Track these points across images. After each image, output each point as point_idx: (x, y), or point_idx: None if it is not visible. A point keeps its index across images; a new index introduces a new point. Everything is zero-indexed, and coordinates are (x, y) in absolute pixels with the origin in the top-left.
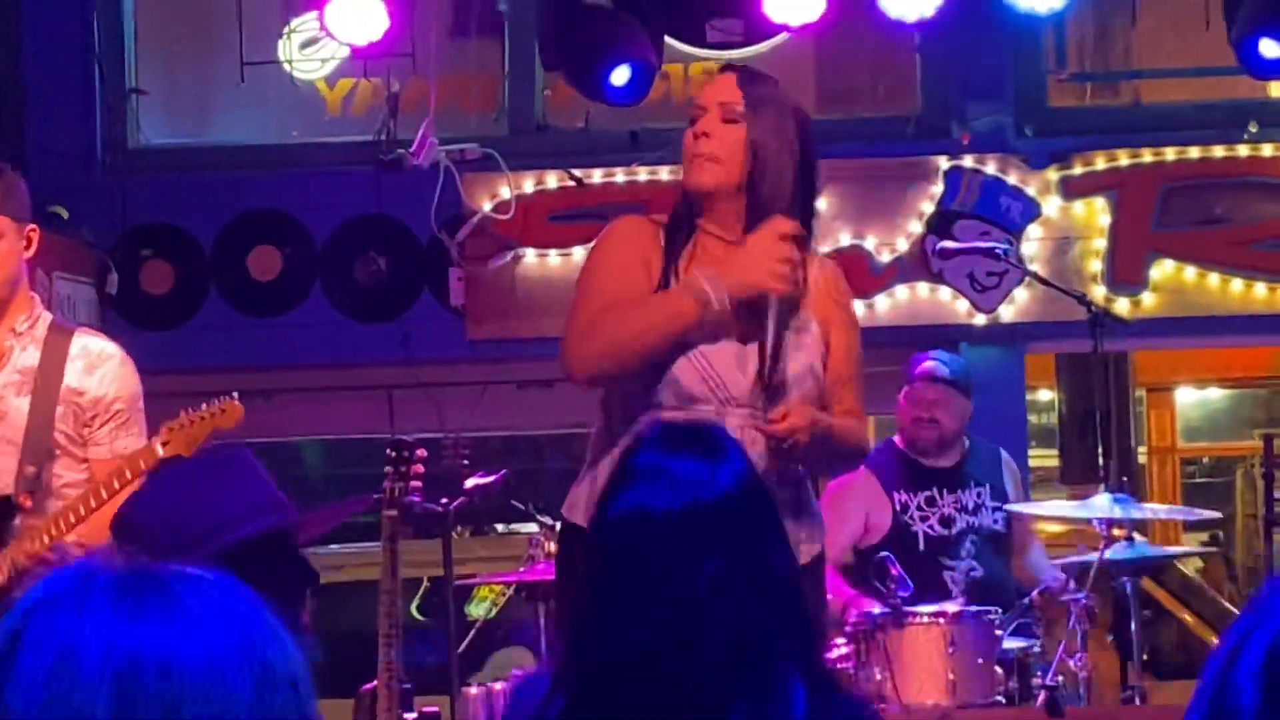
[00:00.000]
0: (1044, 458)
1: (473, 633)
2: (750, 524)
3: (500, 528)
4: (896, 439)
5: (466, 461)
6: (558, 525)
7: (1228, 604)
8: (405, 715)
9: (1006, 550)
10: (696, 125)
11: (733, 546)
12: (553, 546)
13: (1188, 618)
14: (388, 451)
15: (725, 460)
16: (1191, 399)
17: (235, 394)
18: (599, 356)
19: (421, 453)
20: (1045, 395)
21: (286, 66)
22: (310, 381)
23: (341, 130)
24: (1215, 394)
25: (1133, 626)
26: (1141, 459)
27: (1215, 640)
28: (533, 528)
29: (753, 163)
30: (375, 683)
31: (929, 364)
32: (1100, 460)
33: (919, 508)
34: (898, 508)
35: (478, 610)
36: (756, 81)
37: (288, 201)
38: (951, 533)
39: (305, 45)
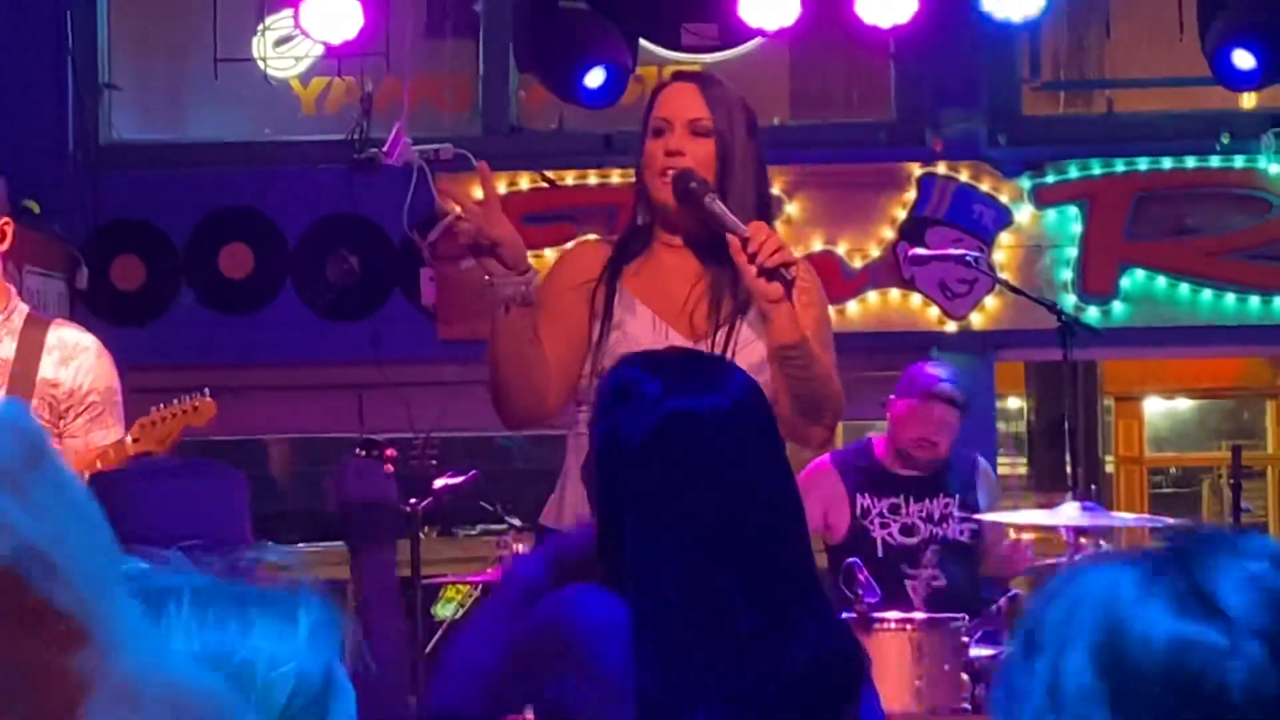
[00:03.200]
0: (1013, 466)
1: (439, 634)
2: (762, 426)
3: (469, 529)
4: (875, 442)
5: (435, 461)
6: (521, 525)
7: None
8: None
9: (972, 561)
10: (666, 141)
11: (752, 448)
12: (521, 548)
13: None
14: (357, 451)
15: (728, 372)
16: (1159, 409)
17: (207, 391)
18: (496, 404)
19: (391, 453)
20: (1014, 403)
21: (261, 64)
22: (280, 380)
23: (315, 129)
24: (1183, 404)
25: None
26: (1109, 468)
27: None
28: (502, 529)
29: (720, 174)
30: None
31: (945, 386)
32: (1069, 469)
33: (880, 515)
34: (858, 511)
35: (445, 611)
36: (719, 90)
37: (260, 199)
38: (913, 542)
39: (280, 43)
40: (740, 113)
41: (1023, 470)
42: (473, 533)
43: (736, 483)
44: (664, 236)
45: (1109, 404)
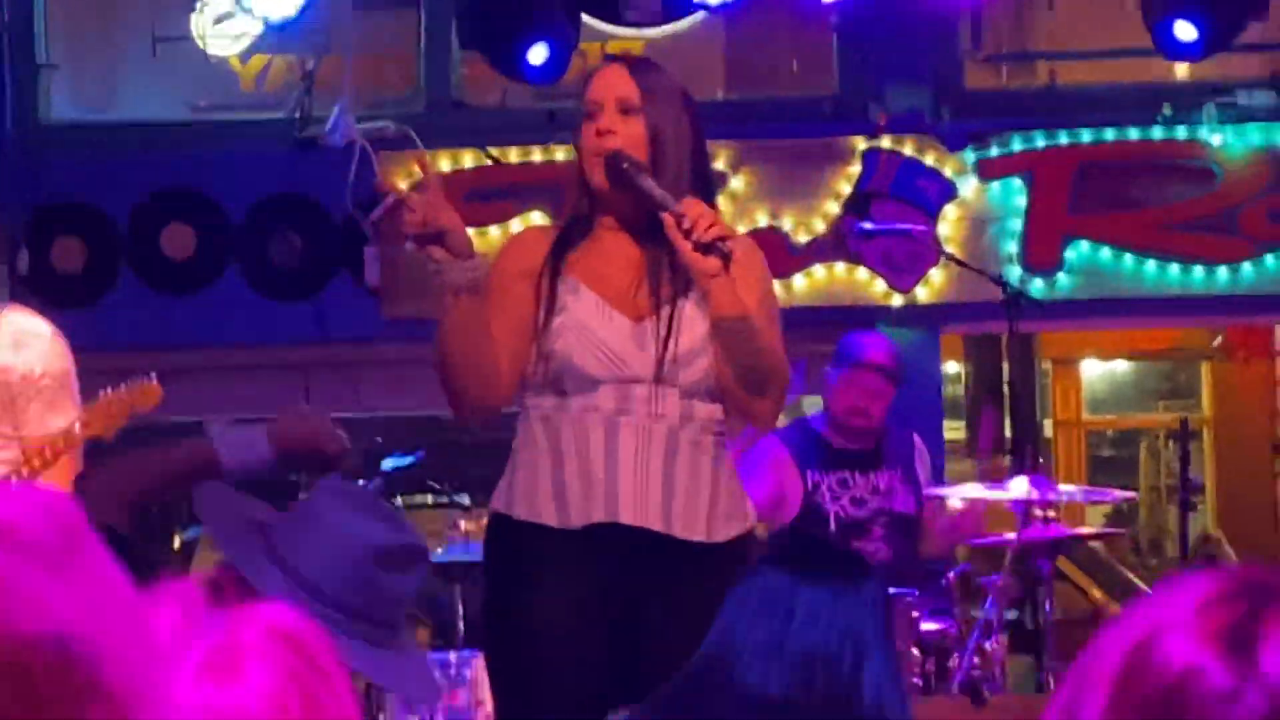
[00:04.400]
0: (951, 430)
1: None
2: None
3: (416, 498)
4: (813, 418)
5: (380, 439)
6: (469, 504)
7: (1132, 576)
8: None
9: (915, 534)
10: (597, 121)
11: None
12: (467, 525)
13: (1095, 592)
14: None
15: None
16: (1097, 372)
17: (154, 375)
18: (448, 395)
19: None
20: (953, 368)
21: (199, 42)
22: (224, 361)
23: (256, 107)
24: (1121, 367)
25: (1046, 606)
26: (1048, 432)
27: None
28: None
29: (653, 153)
30: None
31: (880, 355)
32: (1008, 432)
33: (830, 488)
34: (809, 486)
35: None
36: (648, 70)
37: (202, 179)
38: (863, 514)
39: (219, 20)
40: (671, 91)
41: (961, 434)
42: (421, 503)
43: None
44: (605, 220)
45: (1047, 367)
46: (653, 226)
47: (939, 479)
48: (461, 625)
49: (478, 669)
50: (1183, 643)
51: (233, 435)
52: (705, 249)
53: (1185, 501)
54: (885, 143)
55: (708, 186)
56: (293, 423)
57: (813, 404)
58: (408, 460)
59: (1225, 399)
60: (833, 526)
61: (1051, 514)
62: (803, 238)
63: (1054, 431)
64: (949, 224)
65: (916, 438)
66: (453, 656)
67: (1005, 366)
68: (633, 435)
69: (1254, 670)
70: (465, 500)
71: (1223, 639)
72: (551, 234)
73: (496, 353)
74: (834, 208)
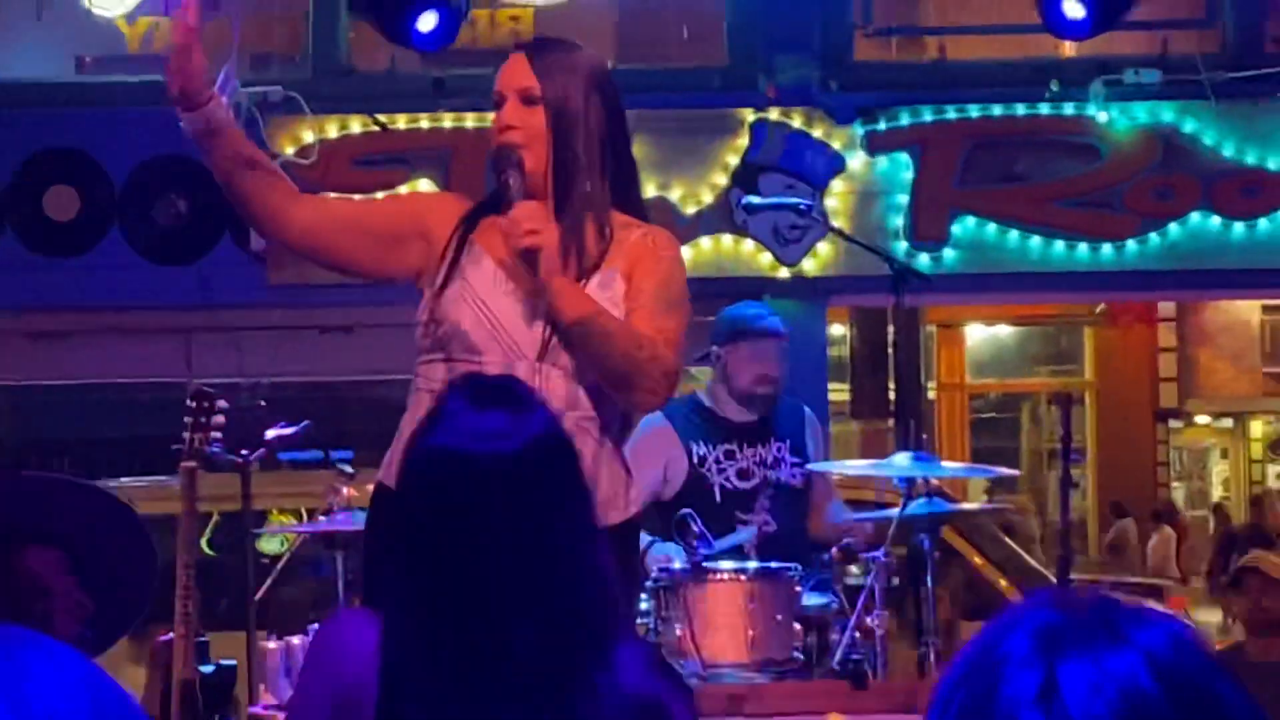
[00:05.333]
0: (835, 392)
1: (270, 580)
2: (550, 481)
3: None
4: (699, 393)
5: (264, 403)
6: (352, 471)
7: (1012, 544)
8: (202, 669)
9: (803, 507)
10: (500, 115)
11: (530, 502)
12: (349, 492)
13: (976, 560)
14: (188, 402)
15: (530, 415)
16: (981, 336)
17: None
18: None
19: (222, 404)
20: (838, 330)
21: (85, 3)
22: (107, 324)
23: (141, 69)
24: (1004, 331)
25: (928, 581)
26: (931, 394)
27: (1002, 581)
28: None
29: (553, 143)
30: (171, 635)
31: (772, 320)
32: (891, 396)
33: (717, 460)
34: (695, 460)
35: (270, 545)
36: (549, 55)
37: (86, 140)
38: (748, 486)
39: None
40: (577, 76)
41: (845, 397)
42: (308, 461)
43: (505, 537)
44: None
45: (931, 331)
46: (560, 208)
47: (828, 451)
48: (342, 594)
49: None
50: (1017, 682)
51: None
52: (522, 253)
53: (1066, 482)
54: (774, 115)
55: (626, 169)
56: None
57: (702, 373)
58: (291, 430)
59: (1107, 364)
60: (718, 498)
61: (935, 481)
62: (690, 209)
63: (937, 395)
64: (836, 197)
65: (807, 410)
66: None
67: (890, 331)
68: None
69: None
70: (349, 469)
71: (1041, 684)
72: (459, 206)
73: (274, 190)
74: (722, 179)
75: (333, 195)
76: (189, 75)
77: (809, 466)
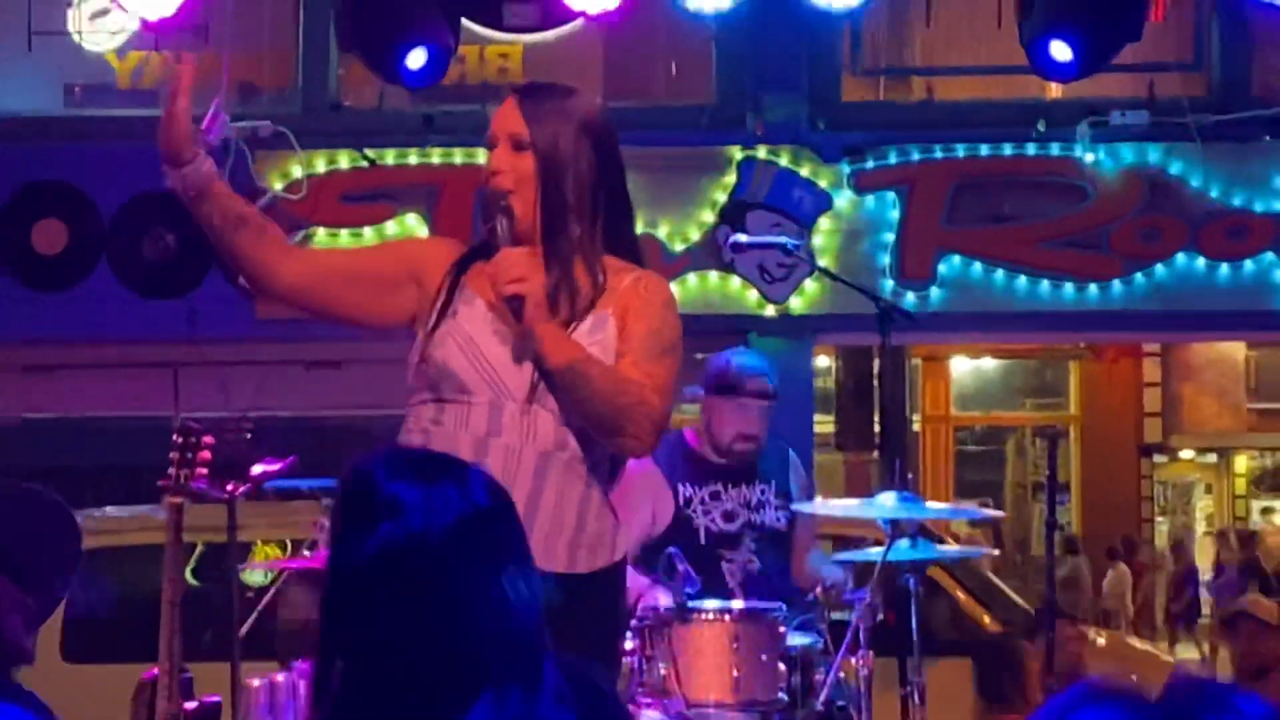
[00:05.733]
0: (821, 424)
1: (255, 614)
2: (478, 548)
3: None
4: (687, 434)
5: (250, 435)
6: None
7: (996, 580)
8: (186, 705)
9: (786, 548)
10: (489, 160)
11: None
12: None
13: (960, 595)
14: (174, 437)
15: (447, 485)
16: (966, 369)
17: None
18: None
19: (208, 439)
20: (823, 362)
21: (76, 37)
22: (95, 358)
23: (131, 103)
24: (989, 364)
25: (913, 622)
26: (916, 426)
27: (985, 617)
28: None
29: (541, 188)
30: (155, 670)
31: (759, 380)
32: (876, 428)
33: (702, 501)
34: (681, 501)
35: (254, 576)
36: (540, 100)
37: (75, 174)
38: (733, 527)
39: (96, 16)
40: (568, 121)
41: (830, 428)
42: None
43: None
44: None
45: (916, 363)
46: (550, 252)
47: (811, 492)
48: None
49: None
50: None
51: None
52: (507, 300)
53: (1052, 524)
54: (761, 153)
55: (620, 213)
56: None
57: (692, 409)
58: (277, 466)
59: (1092, 399)
60: (703, 540)
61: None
62: (678, 246)
63: (922, 427)
64: (823, 235)
65: (791, 452)
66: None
67: (875, 363)
68: (501, 457)
69: None
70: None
71: None
72: (453, 249)
73: (262, 245)
74: (709, 217)
75: (322, 234)
76: (171, 138)
77: (794, 507)
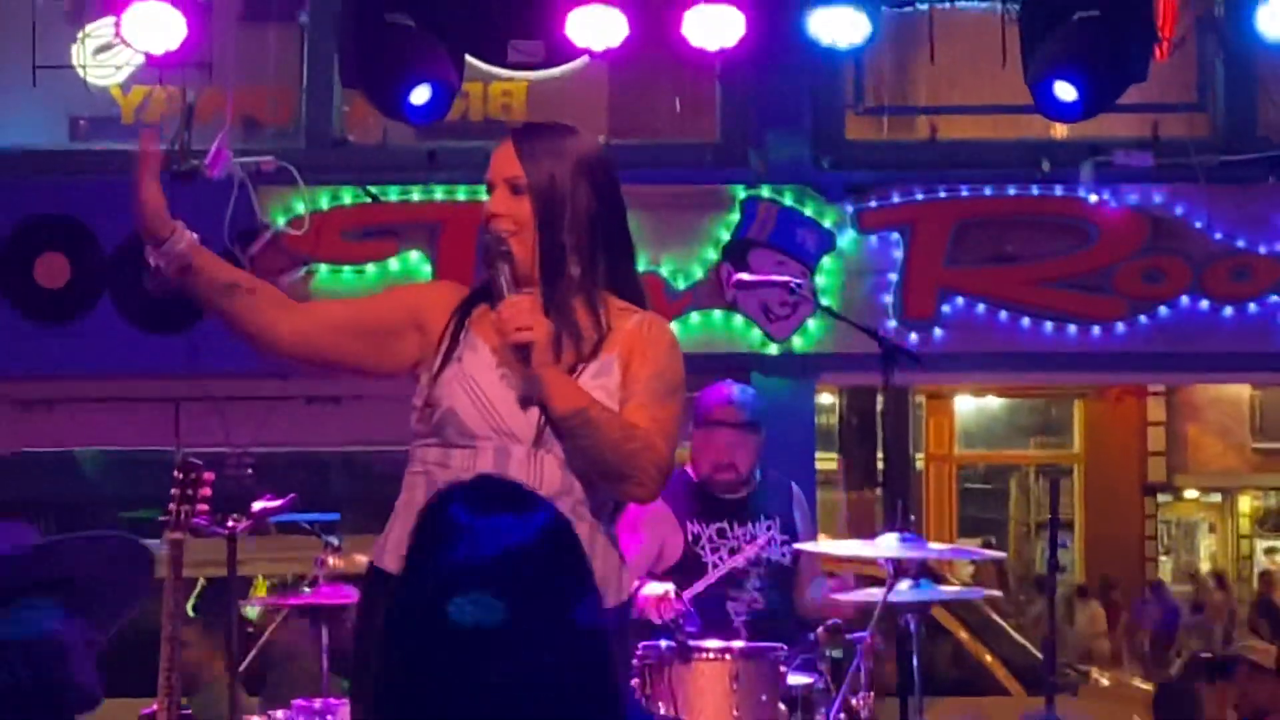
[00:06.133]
0: (824, 461)
1: (255, 652)
2: (553, 574)
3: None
4: (689, 469)
5: (251, 470)
6: (338, 544)
7: (999, 619)
8: None
9: (790, 584)
10: (487, 204)
11: (534, 595)
12: (335, 563)
13: (963, 634)
14: (175, 473)
15: (532, 511)
16: (969, 406)
17: None
18: None
19: (209, 475)
20: (827, 399)
21: (80, 71)
22: (96, 391)
23: (135, 138)
24: (993, 403)
25: (914, 662)
26: (919, 464)
27: (987, 656)
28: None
29: (538, 230)
30: (154, 708)
31: (727, 408)
32: (879, 465)
33: (710, 539)
34: (689, 538)
35: (253, 613)
36: (536, 140)
37: (78, 208)
38: (740, 564)
39: (100, 51)
40: (564, 161)
41: (833, 465)
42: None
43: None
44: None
45: (920, 401)
46: (554, 296)
47: (815, 527)
48: (326, 670)
49: (342, 718)
50: None
51: None
52: (514, 348)
53: (1054, 566)
54: (765, 192)
55: (620, 252)
56: None
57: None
58: (278, 503)
59: (1097, 437)
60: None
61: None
62: (681, 284)
63: (925, 465)
64: (826, 275)
65: (795, 487)
66: (318, 704)
67: (879, 400)
68: None
69: None
70: (334, 540)
71: None
72: (455, 293)
73: (257, 310)
74: (713, 255)
75: (324, 270)
76: (146, 220)
77: (797, 545)
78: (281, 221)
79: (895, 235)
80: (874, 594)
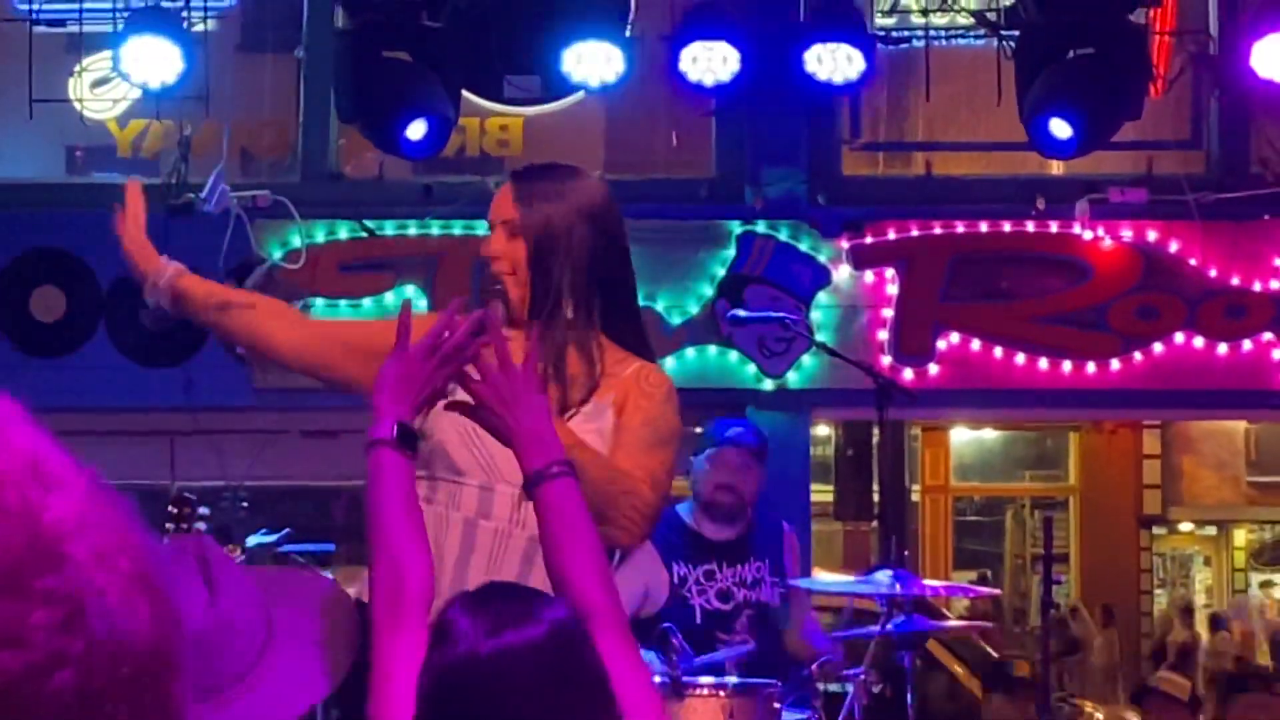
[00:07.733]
0: (819, 492)
1: None
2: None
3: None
4: (680, 508)
5: (246, 504)
6: (332, 580)
7: (993, 653)
8: None
9: (781, 624)
10: (484, 246)
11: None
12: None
13: (957, 669)
14: (169, 508)
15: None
16: (965, 439)
17: None
18: None
19: (204, 510)
20: (822, 430)
21: (77, 105)
22: (91, 425)
23: (131, 171)
24: (988, 435)
25: (909, 697)
26: (915, 496)
27: (979, 692)
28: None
29: (532, 272)
30: None
31: (738, 430)
32: (874, 497)
33: (697, 581)
34: (675, 580)
35: None
36: (534, 183)
37: (74, 242)
38: (729, 607)
39: (97, 84)
40: (562, 204)
41: (828, 497)
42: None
43: None
44: (507, 332)
45: (915, 433)
46: (550, 338)
47: (807, 565)
48: (320, 711)
49: None
50: None
51: None
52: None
53: (1048, 602)
54: (760, 227)
55: (622, 298)
56: None
57: (683, 489)
58: (273, 538)
59: (1092, 470)
60: (698, 619)
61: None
62: (676, 319)
63: (921, 497)
64: (822, 310)
65: (787, 526)
66: None
67: (875, 432)
68: (490, 540)
69: None
70: (328, 576)
71: None
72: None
73: (257, 326)
74: (708, 290)
75: (321, 304)
76: (137, 266)
77: (789, 583)
78: (277, 255)
79: (890, 271)
80: (869, 633)
